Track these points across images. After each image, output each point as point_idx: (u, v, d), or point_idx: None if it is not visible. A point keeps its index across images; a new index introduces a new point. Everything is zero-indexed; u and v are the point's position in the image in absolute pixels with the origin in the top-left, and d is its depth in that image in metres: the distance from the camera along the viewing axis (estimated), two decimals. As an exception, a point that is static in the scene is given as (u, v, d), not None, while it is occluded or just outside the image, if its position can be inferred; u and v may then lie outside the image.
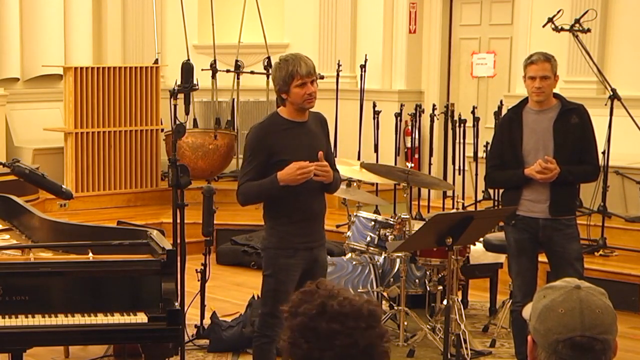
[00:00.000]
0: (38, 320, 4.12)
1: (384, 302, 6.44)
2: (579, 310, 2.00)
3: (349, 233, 6.55)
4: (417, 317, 6.17)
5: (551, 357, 2.02)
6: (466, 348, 5.78)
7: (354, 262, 6.36)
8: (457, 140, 8.70)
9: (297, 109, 4.62)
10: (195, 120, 10.58)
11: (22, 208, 5.39)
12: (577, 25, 7.63)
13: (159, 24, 10.99)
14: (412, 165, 9.23)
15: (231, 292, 7.60)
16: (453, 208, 8.11)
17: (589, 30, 7.70)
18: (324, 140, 4.78)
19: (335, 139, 9.63)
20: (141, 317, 4.18)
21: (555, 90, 5.31)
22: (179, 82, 5.31)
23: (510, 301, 5.79)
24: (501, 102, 8.51)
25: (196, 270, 6.05)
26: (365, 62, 9.67)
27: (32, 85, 10.62)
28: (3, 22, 10.27)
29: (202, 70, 9.64)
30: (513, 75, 9.63)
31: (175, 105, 5.26)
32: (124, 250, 4.47)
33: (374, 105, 9.39)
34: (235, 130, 10.42)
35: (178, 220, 5.09)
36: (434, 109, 9.33)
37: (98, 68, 9.78)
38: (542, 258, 5.38)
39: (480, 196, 8.67)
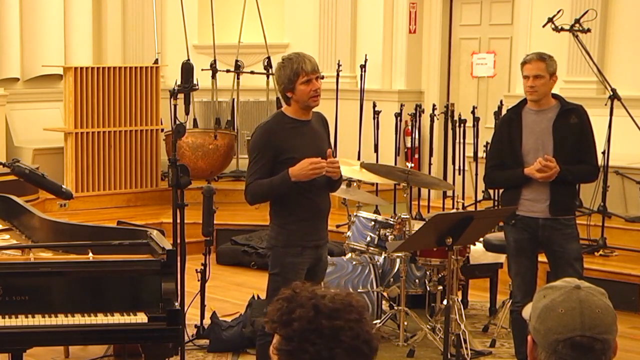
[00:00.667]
0: (38, 320, 4.12)
1: (384, 302, 6.44)
2: (579, 310, 2.01)
3: (349, 233, 6.55)
4: (417, 317, 6.17)
5: (551, 357, 2.02)
6: (466, 348, 5.78)
7: (354, 262, 6.36)
8: (457, 140, 8.70)
9: (302, 107, 4.64)
10: (195, 120, 10.59)
11: (22, 208, 5.39)
12: (577, 25, 7.63)
13: (159, 24, 10.99)
14: (412, 165, 9.23)
15: (231, 292, 7.60)
16: (453, 208, 8.11)
17: (589, 30, 7.70)
18: (327, 139, 4.82)
19: (335, 139, 9.62)
20: (141, 317, 4.18)
21: (554, 91, 5.32)
22: (179, 82, 5.31)
23: (510, 301, 5.79)
24: (501, 102, 8.51)
25: (196, 270, 6.05)
26: (365, 62, 9.67)
27: (32, 85, 10.62)
28: (3, 22, 10.27)
29: (202, 70, 9.64)
30: (513, 75, 9.63)
31: (175, 105, 5.26)
32: (124, 250, 4.47)
33: (374, 105, 9.39)
34: (235, 130, 10.43)
35: (178, 220, 5.09)
36: (434, 109, 9.34)
37: (98, 68, 9.78)
38: (542, 258, 5.39)
39: (480, 196, 8.67)
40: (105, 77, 9.67)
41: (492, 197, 8.43)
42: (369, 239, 6.37)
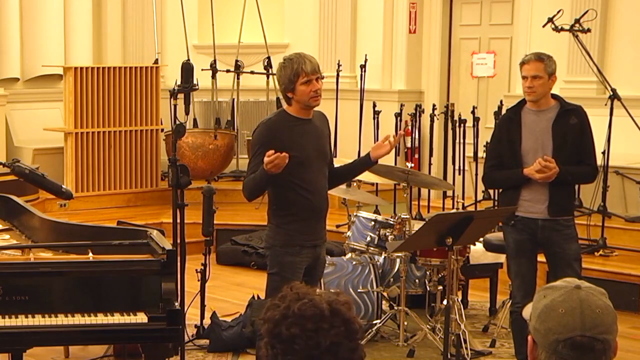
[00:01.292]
0: (38, 320, 4.12)
1: (384, 302, 6.44)
2: (579, 310, 2.00)
3: (349, 233, 6.55)
4: (417, 317, 6.17)
5: (551, 357, 2.02)
6: (466, 348, 5.78)
7: (354, 262, 6.36)
8: (457, 140, 8.70)
9: (303, 107, 4.66)
10: (195, 120, 10.59)
11: (22, 208, 5.39)
12: (577, 25, 7.63)
13: (159, 24, 10.99)
14: (412, 165, 9.23)
15: (231, 292, 7.60)
16: (453, 208, 8.11)
17: (589, 30, 7.70)
18: (328, 138, 4.84)
19: (335, 138, 9.62)
20: (141, 317, 4.18)
21: (554, 91, 5.31)
22: (179, 82, 5.32)
23: (510, 301, 5.79)
24: (501, 102, 8.50)
25: (196, 270, 6.05)
26: (365, 62, 9.67)
27: (32, 85, 10.62)
28: (3, 22, 10.27)
29: (202, 70, 9.64)
30: (513, 75, 9.63)
31: (175, 105, 5.26)
32: (124, 250, 4.47)
33: (374, 105, 9.39)
34: (235, 130, 10.43)
35: (178, 220, 5.09)
36: (434, 109, 9.34)
37: (98, 68, 9.78)
38: (542, 258, 5.39)
39: (480, 196, 8.67)
40: (105, 77, 9.66)
41: (492, 197, 8.43)
42: (369, 239, 6.37)
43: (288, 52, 10.58)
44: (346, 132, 9.78)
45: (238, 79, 10.46)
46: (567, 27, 7.63)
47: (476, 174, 8.46)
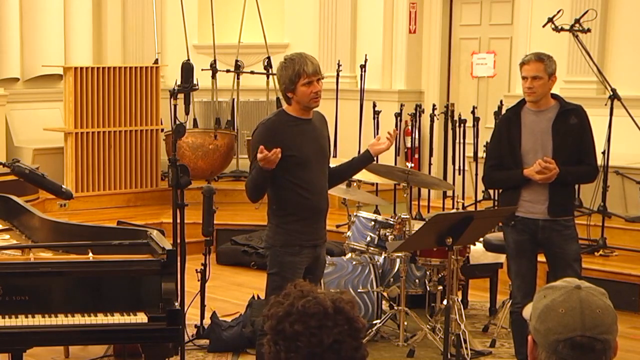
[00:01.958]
0: (38, 320, 4.12)
1: (384, 302, 6.44)
2: (579, 310, 2.00)
3: (349, 233, 6.55)
4: (417, 317, 6.17)
5: (551, 357, 2.02)
6: (466, 348, 5.78)
7: (354, 262, 6.36)
8: (457, 140, 8.70)
9: (303, 107, 4.66)
10: (195, 120, 10.59)
11: (22, 208, 5.39)
12: (577, 25, 7.63)
13: (159, 24, 10.99)
14: (412, 165, 9.23)
15: (231, 292, 7.60)
16: (453, 208, 8.11)
17: (589, 30, 7.70)
18: (327, 138, 4.84)
19: (335, 138, 9.63)
20: (141, 317, 4.19)
21: (554, 91, 5.31)
22: (179, 82, 5.31)
23: (510, 302, 5.79)
24: (501, 102, 8.50)
25: (196, 270, 6.05)
26: (365, 62, 9.68)
27: (32, 85, 10.62)
28: (3, 22, 10.27)
29: (202, 70, 9.64)
30: (513, 75, 9.63)
31: (175, 105, 5.26)
32: (124, 250, 4.47)
33: (374, 105, 9.39)
34: (235, 130, 10.43)
35: (178, 220, 5.09)
36: (434, 109, 9.34)
37: (98, 68, 9.78)
38: (542, 258, 5.38)
39: (480, 196, 8.67)
40: (105, 77, 9.66)
41: (492, 197, 8.43)
42: (369, 239, 6.37)
43: (288, 52, 10.57)
44: (346, 132, 9.78)
45: (238, 79, 10.46)
46: (567, 27, 7.63)
47: (476, 174, 8.46)
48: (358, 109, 9.70)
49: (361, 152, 9.36)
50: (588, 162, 5.27)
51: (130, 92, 9.83)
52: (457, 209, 7.71)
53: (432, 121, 9.13)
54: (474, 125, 8.72)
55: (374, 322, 6.19)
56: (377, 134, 9.29)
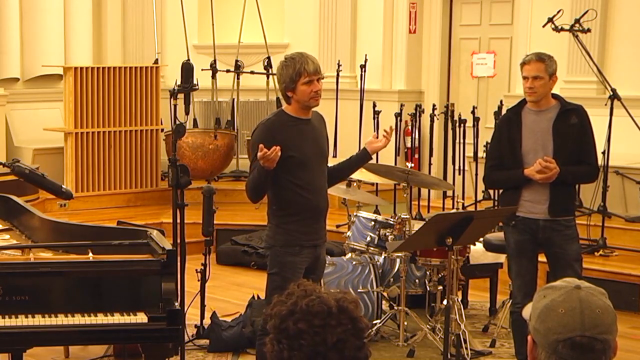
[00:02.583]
0: (38, 320, 4.12)
1: (384, 302, 6.44)
2: (579, 310, 2.00)
3: (349, 233, 6.55)
4: (417, 317, 6.17)
5: (551, 357, 2.02)
6: (466, 348, 5.78)
7: (354, 262, 6.36)
8: (457, 140, 8.70)
9: (302, 107, 4.66)
10: (195, 120, 10.59)
11: (22, 208, 5.39)
12: (577, 25, 7.63)
13: (159, 24, 10.99)
14: (412, 165, 9.23)
15: (231, 292, 7.60)
16: (453, 208, 8.11)
17: (589, 30, 7.70)
18: (326, 138, 4.84)
19: (335, 138, 9.63)
20: (141, 317, 4.18)
21: (554, 91, 5.31)
22: (179, 82, 5.31)
23: (510, 302, 5.79)
24: (501, 102, 8.50)
25: (196, 270, 6.05)
26: (365, 62, 9.68)
27: (32, 85, 10.62)
28: (3, 22, 10.27)
29: (202, 70, 9.64)
30: (513, 75, 9.63)
31: (175, 105, 5.26)
32: (124, 250, 4.47)
33: (374, 105, 9.39)
34: (235, 130, 10.43)
35: (178, 220, 5.09)
36: (434, 109, 9.34)
37: (98, 68, 9.78)
38: (542, 258, 5.38)
39: (480, 196, 8.67)
40: (105, 77, 9.66)
41: (492, 197, 8.43)
42: (369, 239, 6.37)
43: (288, 52, 10.57)
44: (346, 132, 9.78)
45: (238, 79, 10.46)
46: (567, 27, 7.63)
47: (476, 174, 8.47)
48: (358, 109, 9.70)
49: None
50: (588, 162, 5.27)
51: (130, 92, 9.83)
52: (457, 209, 7.70)
53: (432, 121, 9.13)
54: (474, 125, 8.72)
55: (374, 322, 6.19)
56: (377, 134, 9.27)
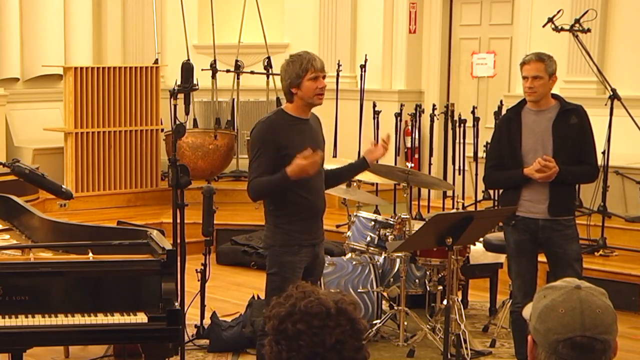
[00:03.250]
0: (38, 320, 4.12)
1: (384, 302, 6.44)
2: (579, 310, 2.00)
3: (349, 233, 6.55)
4: (417, 317, 6.17)
5: (551, 357, 2.02)
6: (466, 348, 5.78)
7: (354, 262, 6.36)
8: (457, 140, 8.70)
9: (304, 104, 4.66)
10: (195, 120, 10.59)
11: (22, 208, 5.39)
12: (577, 25, 7.63)
13: (159, 24, 10.99)
14: (412, 165, 9.24)
15: (231, 292, 7.60)
16: (453, 208, 8.11)
17: (589, 30, 7.70)
18: (322, 139, 4.87)
19: (335, 138, 9.64)
20: (141, 317, 4.18)
21: (554, 91, 5.31)
22: (179, 82, 5.31)
23: (510, 301, 5.79)
24: (501, 102, 8.51)
25: (196, 270, 6.05)
26: (365, 62, 9.68)
27: (32, 85, 10.62)
28: (3, 22, 10.27)
29: (202, 70, 9.64)
30: (513, 75, 9.63)
31: (175, 105, 5.26)
32: (124, 250, 4.47)
33: (374, 105, 9.39)
34: (235, 130, 10.43)
35: (178, 220, 5.09)
36: (434, 109, 9.34)
37: (98, 68, 9.78)
38: (542, 258, 5.38)
39: (480, 196, 8.67)
40: (105, 77, 9.67)
41: (492, 197, 8.43)
42: (369, 239, 6.37)
43: (288, 52, 10.56)
44: (346, 132, 9.78)
45: (238, 79, 10.46)
46: (567, 27, 7.63)
47: (476, 174, 8.47)
48: (358, 109, 9.70)
49: (361, 152, 9.42)
50: (588, 162, 5.27)
51: (130, 92, 9.83)
52: (457, 209, 7.71)
53: (432, 121, 9.13)
54: (474, 125, 8.72)
55: (374, 322, 6.19)
56: (377, 134, 9.29)
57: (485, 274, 6.92)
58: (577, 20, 7.67)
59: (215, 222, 5.99)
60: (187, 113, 5.62)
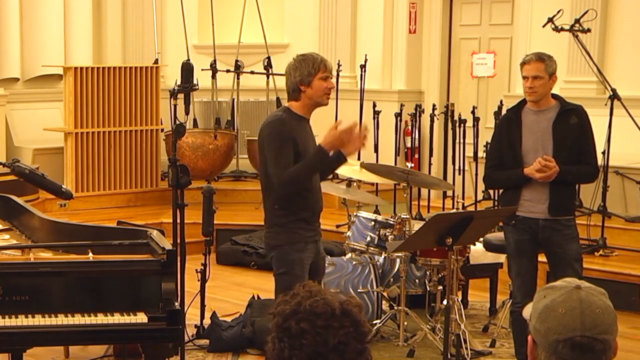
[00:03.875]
0: (38, 320, 4.12)
1: (384, 302, 6.44)
2: (579, 310, 2.00)
3: (349, 233, 6.55)
4: (417, 317, 6.17)
5: (551, 357, 2.02)
6: (466, 348, 5.78)
7: (354, 262, 6.36)
8: (457, 140, 8.70)
9: (311, 103, 4.69)
10: (195, 120, 10.59)
11: (22, 208, 5.39)
12: (577, 25, 7.63)
13: (159, 24, 10.98)
14: (412, 165, 9.23)
15: (231, 292, 7.60)
16: (453, 208, 8.11)
17: (589, 30, 7.70)
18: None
19: (335, 139, 9.61)
20: (141, 317, 4.18)
21: (554, 91, 5.31)
22: (179, 82, 5.31)
23: (510, 301, 5.79)
24: (501, 102, 8.51)
25: (196, 270, 6.05)
26: (365, 62, 9.68)
27: (32, 85, 10.62)
28: (3, 22, 10.27)
29: (202, 70, 9.64)
30: (513, 75, 9.63)
31: (175, 105, 5.26)
32: (124, 250, 4.47)
33: (374, 105, 9.39)
34: (235, 130, 10.43)
35: (178, 220, 5.09)
36: (434, 109, 9.34)
37: (98, 68, 9.78)
38: (542, 258, 5.38)
39: (480, 196, 8.67)
40: (105, 77, 9.66)
41: (492, 197, 8.43)
42: (369, 239, 6.37)
43: (288, 52, 10.61)
44: (346, 132, 9.76)
45: (238, 79, 10.46)
46: (567, 27, 7.63)
47: (476, 174, 8.47)
48: (358, 109, 9.70)
49: (361, 153, 9.42)
50: (588, 162, 5.27)
51: (130, 92, 9.82)
52: (457, 209, 7.70)
53: (432, 121, 9.13)
54: (474, 125, 8.72)
55: (374, 322, 6.19)
56: (378, 134, 9.30)
57: (485, 274, 6.92)
58: (577, 20, 7.67)
59: (215, 222, 5.99)
60: (187, 113, 5.62)
